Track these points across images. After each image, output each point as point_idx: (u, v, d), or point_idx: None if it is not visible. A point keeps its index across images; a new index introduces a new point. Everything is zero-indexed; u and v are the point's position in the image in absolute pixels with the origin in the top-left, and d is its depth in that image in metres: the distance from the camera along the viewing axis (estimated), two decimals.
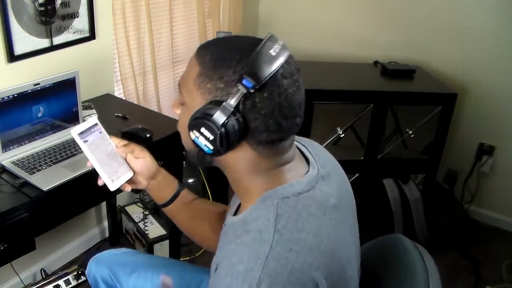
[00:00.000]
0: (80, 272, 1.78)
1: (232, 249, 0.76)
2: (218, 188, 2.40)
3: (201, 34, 2.57)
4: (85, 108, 1.84)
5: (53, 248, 2.12)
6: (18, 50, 1.68)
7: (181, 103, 0.84)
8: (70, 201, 1.52)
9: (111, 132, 1.04)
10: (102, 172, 0.97)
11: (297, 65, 0.79)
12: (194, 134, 0.77)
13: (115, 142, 1.02)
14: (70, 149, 1.61)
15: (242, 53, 0.75)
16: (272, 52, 0.74)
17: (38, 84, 1.56)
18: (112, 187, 0.98)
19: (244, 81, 0.72)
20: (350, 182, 0.97)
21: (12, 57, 1.67)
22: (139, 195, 2.37)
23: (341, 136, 2.24)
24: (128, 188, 1.04)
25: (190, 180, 2.49)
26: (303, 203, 0.79)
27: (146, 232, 2.15)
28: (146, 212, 2.26)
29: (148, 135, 1.71)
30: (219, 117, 0.73)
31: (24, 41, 1.69)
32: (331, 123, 2.24)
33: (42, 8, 1.72)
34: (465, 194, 2.67)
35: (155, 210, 2.29)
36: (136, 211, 2.30)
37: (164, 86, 2.49)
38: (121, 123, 1.83)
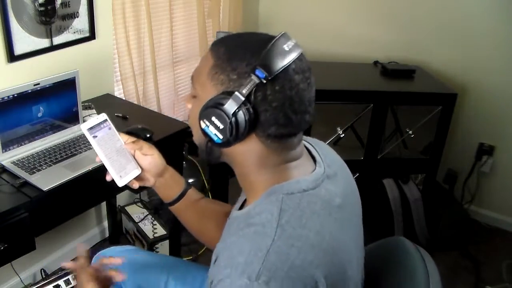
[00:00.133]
0: None
1: (234, 241, 0.76)
2: (218, 188, 2.40)
3: (201, 34, 2.57)
4: (85, 108, 1.84)
5: (53, 248, 2.12)
6: (18, 50, 1.68)
7: (193, 96, 0.84)
8: (70, 201, 1.51)
9: None
10: (111, 167, 0.97)
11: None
12: (204, 123, 0.78)
13: (123, 139, 1.02)
14: (70, 149, 1.60)
15: (256, 47, 0.76)
16: (286, 47, 0.76)
17: (38, 84, 1.56)
18: (120, 183, 0.99)
19: (257, 71, 0.73)
20: None
21: (12, 57, 1.67)
22: (139, 195, 2.37)
23: (341, 136, 2.24)
24: (136, 185, 1.04)
25: (190, 180, 2.48)
26: (308, 200, 0.79)
27: (146, 232, 2.16)
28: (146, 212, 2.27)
29: (148, 135, 1.71)
30: (230, 106, 0.74)
31: (24, 41, 1.69)
32: (331, 123, 2.24)
33: (42, 8, 1.72)
34: (465, 194, 2.67)
35: (155, 210, 2.29)
36: (136, 211, 2.30)
37: (164, 86, 2.49)
38: (121, 123, 1.83)
